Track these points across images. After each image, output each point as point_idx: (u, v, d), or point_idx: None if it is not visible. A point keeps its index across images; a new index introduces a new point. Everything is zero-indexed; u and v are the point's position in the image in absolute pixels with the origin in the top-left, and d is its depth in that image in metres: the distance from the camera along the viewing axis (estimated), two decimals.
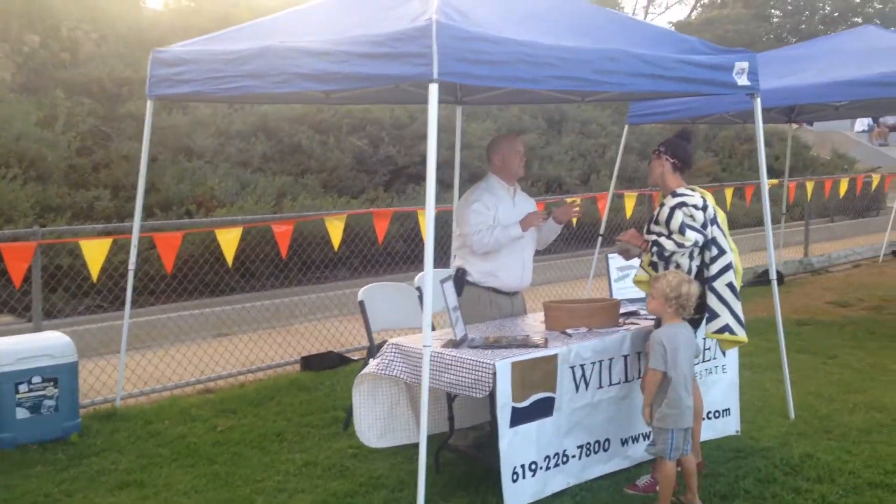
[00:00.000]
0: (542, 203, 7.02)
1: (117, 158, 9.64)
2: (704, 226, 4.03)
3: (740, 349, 7.00)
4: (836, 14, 42.36)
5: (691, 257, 4.04)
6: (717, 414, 4.72)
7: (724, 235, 4.11)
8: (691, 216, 4.02)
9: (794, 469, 4.21)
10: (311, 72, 3.82)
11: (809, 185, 11.42)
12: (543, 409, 3.77)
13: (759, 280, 10.59)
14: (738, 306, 4.06)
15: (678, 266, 4.03)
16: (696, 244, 3.99)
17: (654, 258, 4.07)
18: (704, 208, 4.06)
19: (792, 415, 5.12)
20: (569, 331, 4.14)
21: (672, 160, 4.20)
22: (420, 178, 11.92)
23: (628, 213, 9.16)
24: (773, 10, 41.63)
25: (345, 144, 11.57)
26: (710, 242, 4.05)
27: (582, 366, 3.93)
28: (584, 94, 5.86)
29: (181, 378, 5.81)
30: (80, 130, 9.77)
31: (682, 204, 4.04)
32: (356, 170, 11.52)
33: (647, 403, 3.74)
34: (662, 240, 4.02)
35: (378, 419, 4.05)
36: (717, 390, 4.71)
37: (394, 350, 3.97)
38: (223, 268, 6.90)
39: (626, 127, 8.38)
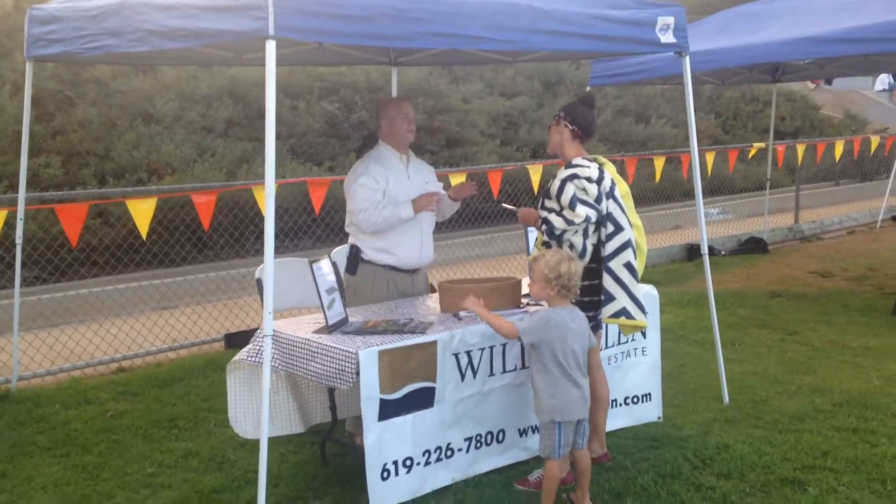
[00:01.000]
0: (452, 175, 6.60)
1: (74, 125, 9.38)
2: (598, 200, 3.66)
3: (695, 323, 6.75)
4: None
5: (585, 235, 3.68)
6: (635, 399, 4.39)
7: (623, 211, 3.74)
8: (584, 189, 3.65)
9: (705, 462, 3.89)
10: (161, 28, 3.45)
11: (800, 149, 10.91)
12: (421, 400, 3.47)
13: (742, 248, 10.21)
14: (636, 288, 3.69)
15: (571, 245, 3.68)
16: (587, 220, 3.62)
17: (545, 237, 3.72)
18: (599, 181, 3.69)
19: (726, 399, 4.79)
20: (461, 313, 3.82)
21: (571, 127, 3.84)
22: None
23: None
24: None
25: (315, 109, 11.22)
26: (606, 218, 3.68)
27: (468, 352, 3.61)
28: (514, 54, 5.46)
29: (93, 357, 5.57)
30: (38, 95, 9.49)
31: (574, 176, 3.67)
32: (327, 135, 11.18)
33: (486, 316, 3.44)
34: (552, 216, 3.67)
35: (255, 408, 3.78)
36: (636, 374, 4.38)
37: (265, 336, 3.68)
38: (179, 236, 6.64)
39: (588, 89, 7.93)
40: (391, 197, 4.14)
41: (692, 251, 9.76)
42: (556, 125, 3.89)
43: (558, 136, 3.87)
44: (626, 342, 4.34)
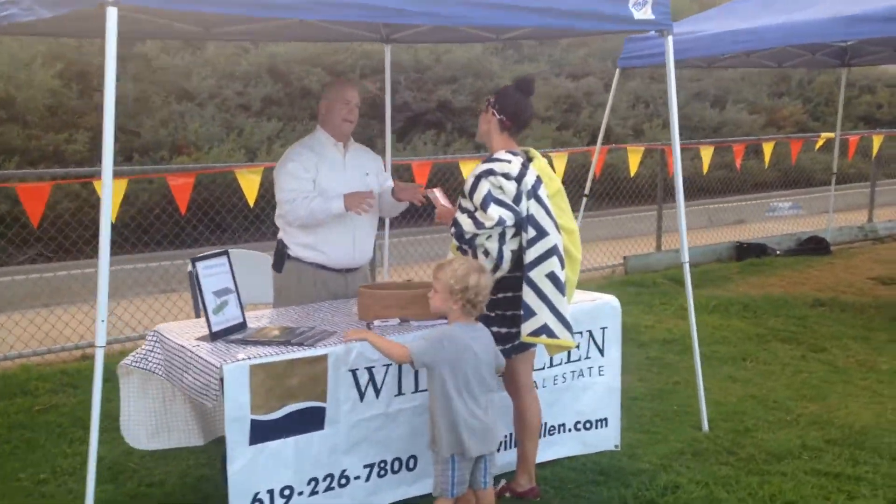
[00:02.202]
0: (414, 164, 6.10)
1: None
2: (518, 200, 3.17)
3: (712, 333, 6.10)
4: None
5: (502, 240, 3.20)
6: (588, 425, 3.90)
7: (549, 213, 3.22)
8: (500, 187, 3.18)
9: None
10: None
11: (876, 140, 9.89)
12: (307, 421, 3.10)
13: (801, 248, 9.37)
14: (562, 302, 3.19)
15: (486, 252, 3.21)
16: (501, 224, 3.14)
17: (455, 241, 3.27)
18: (520, 177, 3.20)
19: (705, 426, 4.23)
20: (376, 322, 3.43)
21: (500, 116, 3.36)
22: (436, 126, 11.19)
23: (632, 170, 8.11)
24: None
25: (359, 89, 10.91)
26: (526, 221, 3.18)
27: (370, 369, 3.22)
28: (499, 32, 4.98)
29: (55, 342, 5.44)
30: (71, 71, 9.56)
31: (490, 172, 3.20)
32: (367, 116, 10.88)
33: (375, 342, 3.06)
34: (461, 218, 3.21)
35: (150, 416, 3.51)
36: (591, 396, 3.89)
37: (154, 339, 3.40)
38: (153, 220, 6.49)
39: (618, 70, 7.31)
40: (321, 189, 3.78)
41: (742, 251, 8.99)
42: (484, 113, 3.43)
43: (486, 126, 3.42)
44: (579, 360, 3.85)
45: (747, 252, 8.95)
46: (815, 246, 9.32)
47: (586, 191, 7.54)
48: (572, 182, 9.54)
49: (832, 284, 7.82)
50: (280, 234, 3.93)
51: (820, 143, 9.94)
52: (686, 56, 6.68)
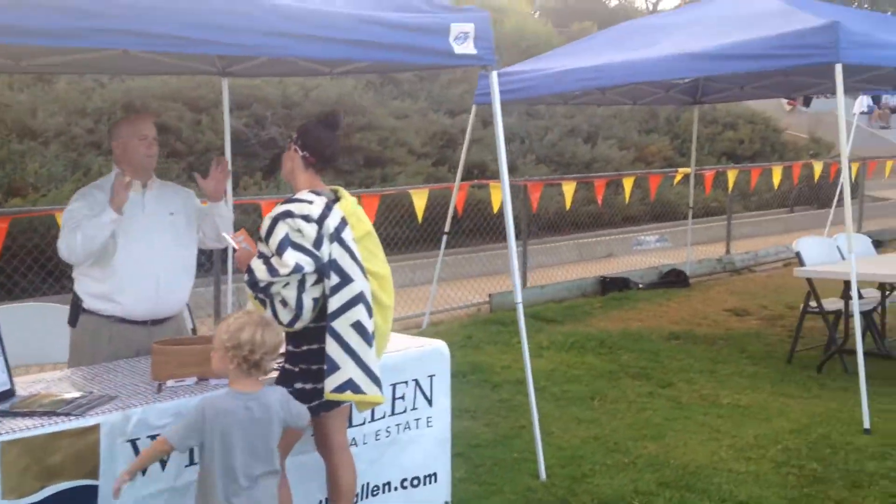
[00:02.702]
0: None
1: None
2: (318, 244, 2.96)
3: (566, 371, 6.04)
4: None
5: (302, 288, 2.97)
6: (416, 482, 3.69)
7: (355, 258, 3.01)
8: (298, 230, 2.95)
9: None
10: None
11: (731, 175, 10.27)
12: (76, 503, 2.77)
13: (662, 281, 9.55)
14: (369, 354, 2.98)
15: (284, 301, 2.98)
16: (297, 270, 2.92)
17: (249, 289, 3.03)
18: (322, 219, 2.98)
19: (542, 475, 4.10)
20: (169, 383, 3.13)
21: (303, 153, 3.16)
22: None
23: (495, 206, 8.06)
24: None
25: (220, 125, 10.52)
26: (328, 267, 2.97)
27: (154, 437, 2.91)
28: (332, 65, 4.82)
29: None
30: None
31: (288, 214, 2.98)
32: (234, 153, 10.50)
33: (129, 471, 2.70)
34: (256, 264, 2.97)
35: None
36: (418, 450, 3.69)
37: None
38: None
39: (474, 108, 7.28)
40: (117, 233, 3.45)
41: (607, 284, 9.09)
42: (288, 150, 3.22)
43: (289, 164, 3.20)
44: (405, 412, 3.65)
45: (611, 286, 9.06)
46: (674, 279, 9.52)
47: (446, 228, 7.42)
48: (438, 218, 9.43)
49: (688, 317, 7.96)
50: (74, 285, 3.58)
51: (678, 177, 10.24)
52: (536, 94, 6.71)
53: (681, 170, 10.01)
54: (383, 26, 3.57)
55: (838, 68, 4.87)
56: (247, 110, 10.92)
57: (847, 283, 5.83)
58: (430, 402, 3.72)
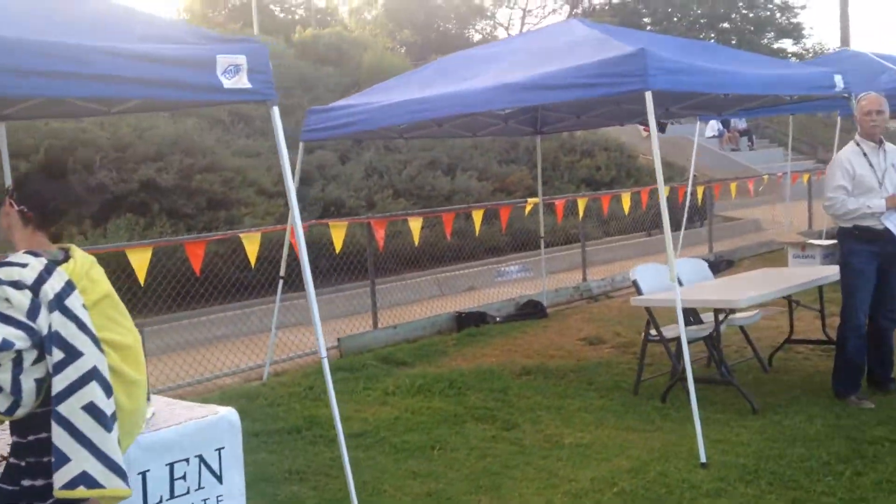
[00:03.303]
0: None
1: None
2: (34, 314, 2.48)
3: (410, 418, 5.68)
4: (704, 20, 42.86)
5: (18, 368, 2.46)
6: None
7: (85, 328, 2.51)
8: (7, 300, 2.47)
9: None
10: None
11: (581, 203, 10.30)
12: None
13: (519, 313, 9.39)
14: (107, 440, 2.49)
15: None
16: (7, 347, 2.43)
17: None
18: (38, 285, 2.51)
19: None
20: None
21: (19, 207, 2.69)
22: (141, 208, 10.22)
23: (337, 246, 7.66)
24: (643, 19, 41.69)
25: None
26: (49, 341, 2.50)
27: None
28: (109, 104, 4.35)
29: None
30: None
31: None
32: (55, 201, 9.68)
33: None
34: None
35: None
36: None
37: None
38: None
39: (301, 145, 6.90)
40: None
41: (462, 320, 8.83)
42: (4, 204, 2.73)
43: (6, 221, 2.71)
44: (187, 493, 3.18)
45: (466, 321, 8.80)
46: (532, 310, 9.39)
47: (281, 272, 6.96)
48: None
49: (542, 349, 7.79)
50: None
51: (528, 207, 10.16)
52: (365, 128, 6.41)
53: (530, 199, 9.94)
54: (143, 60, 3.16)
55: (648, 96, 4.80)
56: (72, 155, 10.12)
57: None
58: (219, 479, 3.26)
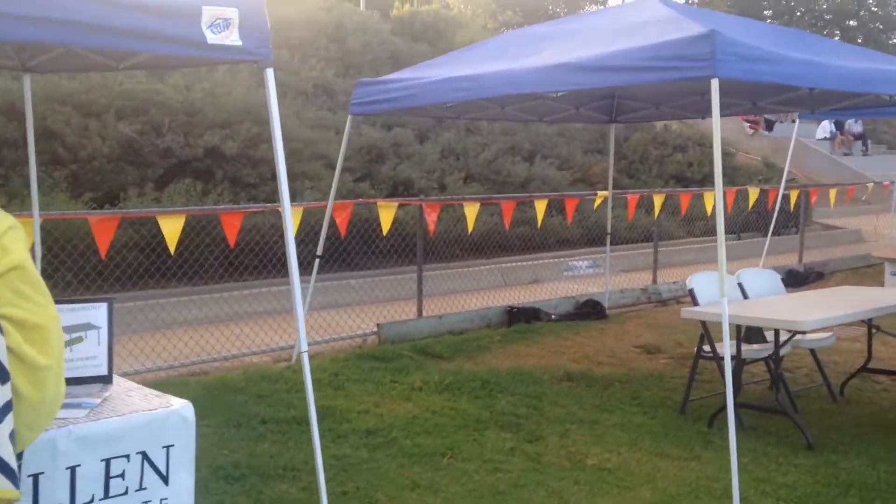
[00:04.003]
0: None
1: None
2: None
3: (428, 419, 5.27)
4: (829, 16, 40.60)
5: None
6: None
7: None
8: None
9: None
10: None
11: (658, 200, 9.64)
12: None
13: (577, 312, 8.86)
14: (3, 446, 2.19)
15: None
16: None
17: None
18: None
19: None
20: None
21: None
22: (205, 174, 10.17)
23: (384, 227, 7.33)
24: (764, 12, 39.82)
25: (111, 131, 9.75)
26: None
27: None
28: (116, 58, 4.09)
29: None
30: None
31: None
32: (123, 161, 9.72)
33: None
34: None
35: None
36: None
37: None
38: None
39: (349, 118, 6.56)
40: None
41: (514, 315, 8.38)
42: None
43: None
44: (125, 494, 2.87)
45: (518, 316, 8.35)
46: (590, 310, 8.85)
47: (319, 251, 6.67)
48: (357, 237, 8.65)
49: (592, 354, 7.26)
50: None
51: (598, 201, 9.58)
52: (412, 104, 6.01)
53: (599, 192, 9.35)
54: (122, 8, 2.85)
55: (714, 84, 4.21)
56: (143, 116, 10.14)
57: (741, 326, 5.18)
58: (165, 480, 2.95)
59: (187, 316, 7.46)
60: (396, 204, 7.46)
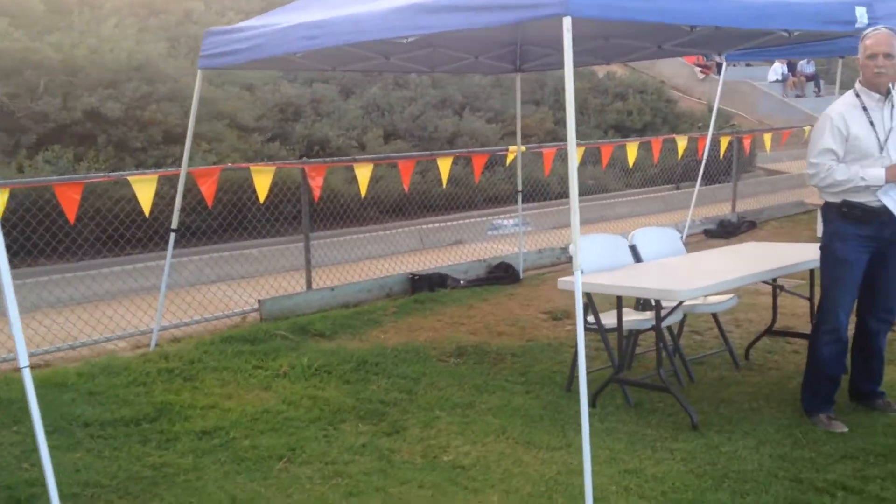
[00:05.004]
0: None
1: None
2: None
3: (285, 408, 4.63)
4: None
5: None
6: None
7: None
8: None
9: None
10: None
11: (579, 153, 8.99)
12: None
13: (490, 276, 8.32)
14: None
15: None
16: None
17: None
18: None
19: None
20: None
21: None
22: (88, 139, 9.38)
23: (261, 196, 6.64)
24: None
25: None
26: None
27: None
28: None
29: None
30: None
31: None
32: None
33: None
34: None
35: None
36: None
37: None
38: None
39: (199, 73, 5.84)
40: None
41: (416, 282, 7.80)
42: None
43: None
44: None
45: (421, 284, 7.78)
46: (503, 273, 8.30)
47: (173, 224, 5.99)
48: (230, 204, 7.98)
49: (493, 323, 6.73)
50: None
51: (510, 157, 8.96)
52: (263, 55, 5.30)
53: (511, 148, 8.73)
54: None
55: (567, 22, 3.63)
56: (17, 77, 9.27)
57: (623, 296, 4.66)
58: None
59: (48, 297, 6.79)
60: (274, 168, 6.77)
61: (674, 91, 23.74)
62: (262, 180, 6.63)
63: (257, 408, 4.77)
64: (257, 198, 6.70)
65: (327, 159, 8.24)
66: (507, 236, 11.05)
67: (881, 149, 4.05)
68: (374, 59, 6.57)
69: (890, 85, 4.10)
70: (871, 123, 4.05)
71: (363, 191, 7.33)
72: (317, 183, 6.99)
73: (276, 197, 8.28)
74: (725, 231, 10.76)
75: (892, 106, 4.10)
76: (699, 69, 27.17)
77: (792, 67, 27.80)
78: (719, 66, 26.87)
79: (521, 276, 8.46)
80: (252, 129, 11.56)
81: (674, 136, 10.78)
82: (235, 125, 11.13)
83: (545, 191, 12.53)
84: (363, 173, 7.30)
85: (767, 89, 26.40)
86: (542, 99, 17.26)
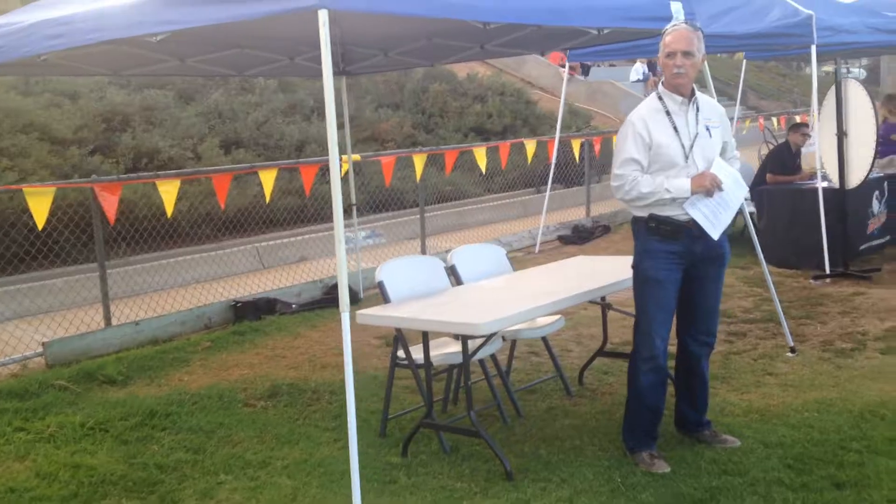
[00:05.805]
0: None
1: None
2: None
3: (35, 485, 3.84)
4: None
5: None
6: None
7: None
8: None
9: None
10: None
11: (418, 161, 8.49)
12: None
13: (326, 298, 7.65)
14: None
15: None
16: None
17: None
18: None
19: None
20: None
21: None
22: None
23: (39, 222, 5.74)
24: None
25: None
26: None
27: None
28: None
29: None
30: None
31: None
32: None
33: None
34: None
35: None
36: None
37: None
38: None
39: None
40: None
41: (240, 310, 7.04)
42: None
43: None
44: None
45: (245, 312, 7.03)
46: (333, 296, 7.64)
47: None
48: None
49: (320, 354, 6.09)
50: None
51: (344, 168, 8.31)
52: (7, 58, 4.46)
53: (345, 157, 8.09)
54: None
55: (322, 15, 3.05)
56: None
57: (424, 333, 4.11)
58: None
59: None
60: (54, 188, 5.88)
61: (541, 92, 23.68)
62: (39, 203, 5.73)
63: (1, 486, 3.94)
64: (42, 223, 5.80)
65: (123, 176, 7.33)
66: (359, 251, 10.43)
67: (686, 157, 3.67)
68: (166, 62, 5.81)
69: (694, 86, 3.73)
70: (676, 129, 3.67)
71: (169, 210, 6.51)
72: (110, 203, 6.13)
73: (80, 218, 7.36)
74: (580, 237, 10.52)
75: (698, 109, 3.73)
76: (563, 70, 27.36)
77: (653, 67, 28.40)
78: (583, 66, 27.22)
79: (361, 295, 7.86)
80: (70, 142, 10.46)
81: (522, 140, 10.43)
82: (48, 138, 10.02)
83: (400, 199, 12.00)
84: (168, 190, 6.49)
85: (629, 89, 26.85)
86: (401, 102, 16.76)
